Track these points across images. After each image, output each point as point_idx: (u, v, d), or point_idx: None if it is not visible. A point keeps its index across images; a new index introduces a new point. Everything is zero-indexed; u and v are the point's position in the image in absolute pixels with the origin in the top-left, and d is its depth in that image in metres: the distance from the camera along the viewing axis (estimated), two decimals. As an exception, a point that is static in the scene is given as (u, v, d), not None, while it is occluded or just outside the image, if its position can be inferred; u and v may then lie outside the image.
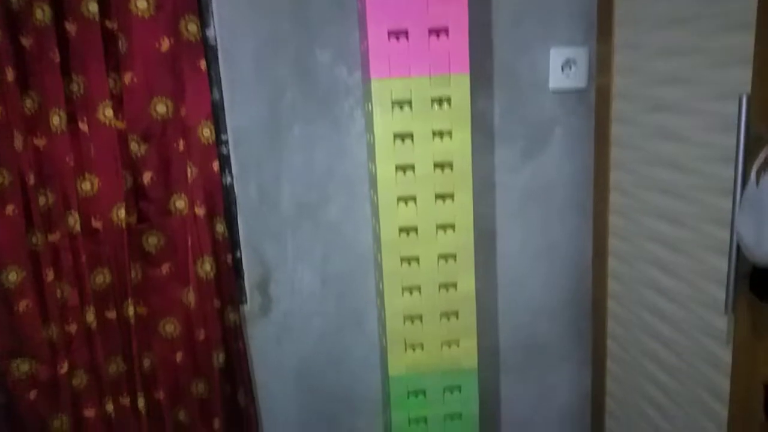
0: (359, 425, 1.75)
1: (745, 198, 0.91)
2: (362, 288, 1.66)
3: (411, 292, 1.45)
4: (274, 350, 1.67)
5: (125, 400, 1.58)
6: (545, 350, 1.78)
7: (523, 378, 1.79)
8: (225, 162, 1.54)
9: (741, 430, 1.10)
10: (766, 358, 1.01)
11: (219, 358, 1.56)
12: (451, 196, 1.40)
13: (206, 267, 1.51)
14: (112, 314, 1.53)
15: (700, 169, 1.19)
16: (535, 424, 1.82)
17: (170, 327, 1.57)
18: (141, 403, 1.56)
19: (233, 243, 1.58)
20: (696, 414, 1.27)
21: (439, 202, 1.40)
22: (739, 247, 0.98)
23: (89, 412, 1.56)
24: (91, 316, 1.50)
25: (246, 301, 1.63)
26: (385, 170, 1.37)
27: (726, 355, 1.13)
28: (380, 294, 1.49)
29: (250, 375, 1.64)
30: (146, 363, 1.58)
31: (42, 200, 1.43)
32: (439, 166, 1.38)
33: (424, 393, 1.50)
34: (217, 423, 1.59)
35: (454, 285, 1.45)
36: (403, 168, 1.37)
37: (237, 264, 1.61)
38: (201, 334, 1.55)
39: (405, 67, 1.32)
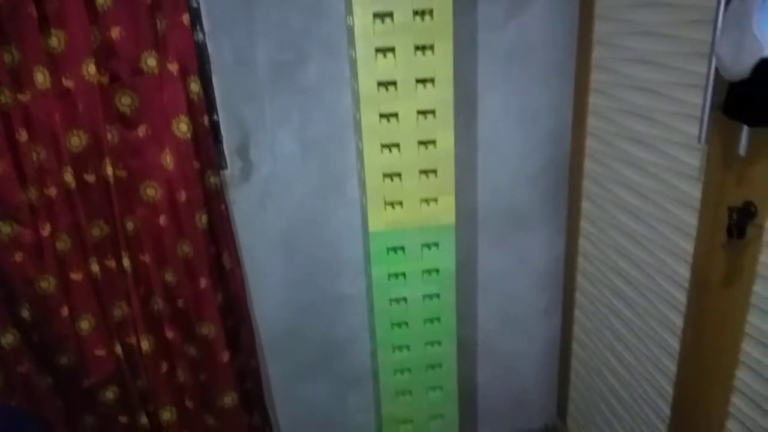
0: (343, 284, 1.82)
1: (727, 16, 0.89)
2: (343, 152, 1.65)
3: (390, 149, 1.45)
4: (257, 214, 1.69)
5: (111, 263, 1.61)
6: (522, 215, 1.82)
7: (500, 241, 1.85)
8: (196, 17, 1.48)
9: (705, 256, 1.16)
10: (733, 188, 1.04)
11: (202, 219, 1.58)
12: (431, 48, 1.37)
13: (182, 128, 1.49)
14: (91, 177, 1.53)
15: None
16: (510, 282, 1.91)
17: (151, 191, 1.58)
18: (126, 263, 1.59)
19: (209, 105, 1.55)
20: (664, 256, 1.32)
21: (419, 54, 1.37)
22: (715, 76, 0.98)
23: (76, 275, 1.60)
24: (69, 177, 1.49)
25: (226, 166, 1.63)
26: (362, 20, 1.32)
27: (695, 191, 1.16)
28: (360, 152, 1.49)
29: (234, 237, 1.67)
30: (129, 226, 1.60)
31: (8, 58, 1.37)
32: (419, 13, 1.33)
33: (403, 249, 1.55)
34: (203, 282, 1.64)
35: (434, 142, 1.45)
36: (381, 16, 1.33)
37: (215, 127, 1.59)
38: (182, 196, 1.55)
39: None
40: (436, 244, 1.56)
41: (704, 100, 1.02)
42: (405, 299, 1.61)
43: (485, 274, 1.88)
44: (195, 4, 1.47)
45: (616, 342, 1.60)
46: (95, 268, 1.59)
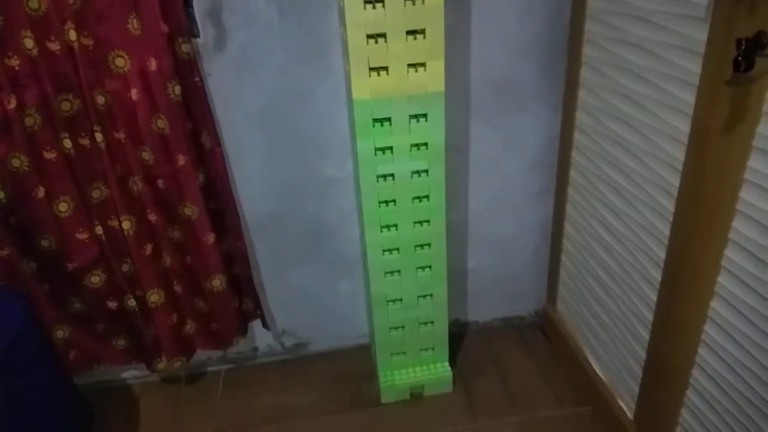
0: (330, 166, 1.76)
1: None
2: (325, 16, 1.54)
3: (374, 6, 1.34)
4: (235, 88, 1.60)
5: (84, 141, 1.54)
6: (516, 90, 1.73)
7: (493, 118, 1.77)
8: None
9: (707, 106, 1.09)
10: (743, 22, 0.95)
11: (175, 90, 1.48)
12: None
13: (147, -15, 1.37)
14: (54, 45, 1.42)
15: None
16: (503, 162, 1.85)
17: (120, 61, 1.47)
18: (100, 139, 1.52)
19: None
20: (663, 113, 1.25)
21: None
22: None
23: (49, 154, 1.53)
24: (30, 43, 1.39)
25: (198, 34, 1.51)
26: None
27: (701, 33, 1.07)
28: (341, 10, 1.38)
29: (212, 113, 1.59)
30: (100, 100, 1.51)
31: None
32: None
33: (389, 121, 1.47)
34: (182, 160, 1.57)
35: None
36: None
37: (184, -8, 1.46)
38: (152, 64, 1.45)
39: None
40: (425, 116, 1.48)
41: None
42: (393, 176, 1.55)
43: (477, 153, 1.81)
44: None
45: (609, 214, 1.56)
46: (68, 144, 1.52)
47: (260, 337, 2.03)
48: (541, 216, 1.95)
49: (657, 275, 1.35)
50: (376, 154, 1.51)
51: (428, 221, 1.63)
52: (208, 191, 1.66)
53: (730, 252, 1.09)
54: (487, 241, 1.98)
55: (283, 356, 2.09)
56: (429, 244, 1.67)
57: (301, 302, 1.98)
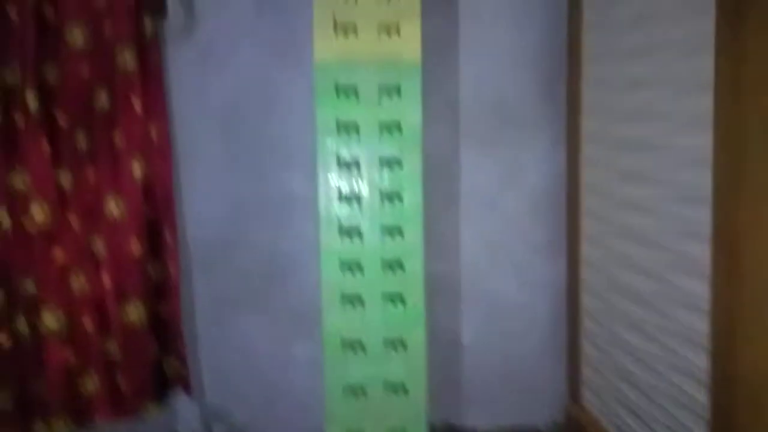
0: (294, 178, 1.49)
1: None
2: (301, 10, 1.44)
3: (343, -40, 1.24)
4: (197, 79, 1.45)
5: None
6: (512, 112, 1.52)
7: (486, 145, 1.53)
8: None
9: None
10: None
11: (127, 58, 1.34)
12: None
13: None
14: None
15: None
16: (498, 200, 1.54)
17: (78, 33, 1.37)
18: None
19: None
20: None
21: None
22: None
23: None
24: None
25: (166, 13, 1.42)
26: None
27: None
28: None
29: (165, 104, 1.41)
30: (51, 78, 1.37)
31: None
32: None
33: (355, 92, 1.26)
34: (120, 141, 1.36)
35: (396, -46, 1.23)
36: None
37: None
38: (107, 29, 1.34)
39: None
40: (397, 90, 1.26)
41: None
42: (357, 164, 1.28)
43: (469, 185, 1.53)
44: None
45: (634, 279, 1.20)
46: None
47: (182, 416, 1.54)
48: (553, 278, 1.56)
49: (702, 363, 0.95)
50: (339, 132, 1.26)
51: (400, 231, 1.29)
52: (145, 190, 1.40)
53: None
54: (485, 306, 1.57)
55: (209, 452, 1.55)
56: (400, 264, 1.30)
57: (242, 368, 1.54)
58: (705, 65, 0.93)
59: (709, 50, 0.92)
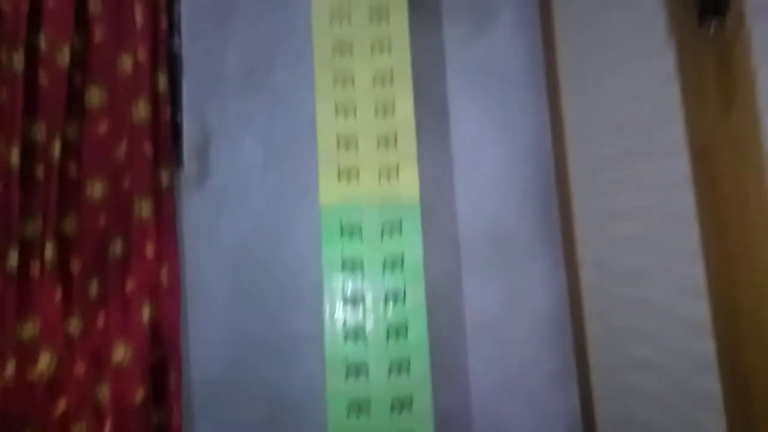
0: (299, 319, 1.51)
1: None
2: (307, 158, 1.56)
3: (346, 114, 1.37)
4: (208, 225, 1.53)
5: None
6: (509, 240, 1.58)
7: (487, 274, 1.57)
8: (176, 27, 1.59)
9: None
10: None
11: (143, 207, 1.43)
12: (387, 17, 1.40)
13: (140, 110, 1.47)
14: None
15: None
16: (502, 326, 1.54)
17: (98, 187, 1.47)
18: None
19: (174, 104, 1.56)
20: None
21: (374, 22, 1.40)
22: None
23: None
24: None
25: (183, 164, 1.54)
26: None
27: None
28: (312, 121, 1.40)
29: (177, 245, 1.48)
30: (69, 228, 1.44)
31: None
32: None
33: (359, 231, 1.33)
34: (130, 285, 1.39)
35: (392, 107, 1.37)
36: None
37: (177, 129, 1.56)
38: (126, 182, 1.44)
39: None
40: (399, 228, 1.33)
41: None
42: (362, 299, 1.31)
43: (473, 313, 1.54)
44: (176, 18, 1.60)
45: (647, 409, 1.20)
46: None
47: None
48: (566, 408, 1.52)
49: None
50: (344, 269, 1.31)
51: (407, 366, 1.29)
52: (152, 334, 1.42)
53: None
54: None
55: None
56: (410, 401, 1.27)
57: None
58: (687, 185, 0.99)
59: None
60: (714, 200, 0.93)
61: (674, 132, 1.00)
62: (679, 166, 1.00)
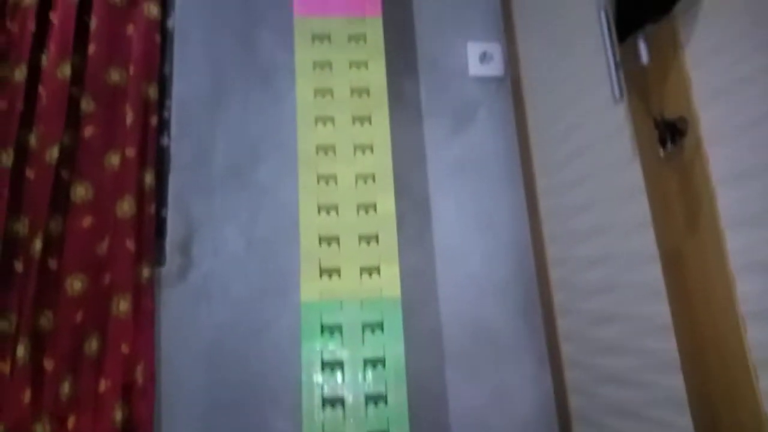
0: (280, 418, 1.46)
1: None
2: (289, 252, 1.56)
3: (328, 212, 1.39)
4: (187, 320, 1.50)
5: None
6: (492, 336, 1.57)
7: (472, 371, 1.54)
8: (165, 125, 1.64)
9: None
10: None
11: (121, 304, 1.41)
12: (369, 119, 1.46)
13: (125, 207, 1.48)
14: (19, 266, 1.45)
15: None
16: (490, 422, 1.50)
17: (78, 283, 1.46)
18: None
19: (160, 199, 1.57)
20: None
21: (357, 124, 1.45)
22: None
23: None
24: None
25: (164, 262, 1.54)
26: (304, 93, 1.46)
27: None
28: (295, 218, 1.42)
29: (154, 347, 1.45)
30: (44, 324, 1.42)
31: None
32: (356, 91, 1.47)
33: (339, 329, 1.31)
34: (103, 385, 1.35)
35: (374, 206, 1.40)
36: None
37: (161, 224, 1.57)
38: (106, 278, 1.44)
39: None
40: (380, 325, 1.32)
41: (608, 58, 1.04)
42: (342, 402, 1.28)
43: (457, 406, 1.51)
44: (167, 116, 1.65)
45: None
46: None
47: None
48: None
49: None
50: (323, 368, 1.29)
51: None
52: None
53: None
54: None
55: None
56: None
57: None
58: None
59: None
60: (694, 341, 0.95)
61: (646, 238, 1.03)
62: (653, 271, 1.02)
